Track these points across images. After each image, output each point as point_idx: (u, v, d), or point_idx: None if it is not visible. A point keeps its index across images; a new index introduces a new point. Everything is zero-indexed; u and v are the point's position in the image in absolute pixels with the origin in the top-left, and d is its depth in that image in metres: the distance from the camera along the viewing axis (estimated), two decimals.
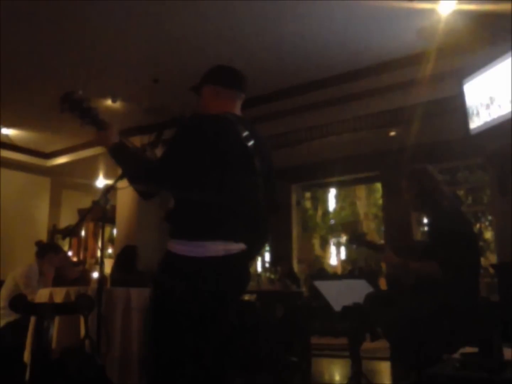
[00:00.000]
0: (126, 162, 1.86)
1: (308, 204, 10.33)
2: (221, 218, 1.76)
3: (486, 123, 4.24)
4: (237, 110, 1.99)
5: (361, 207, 11.08)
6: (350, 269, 8.72)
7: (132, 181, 1.87)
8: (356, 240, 3.32)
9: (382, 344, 3.39)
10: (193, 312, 1.70)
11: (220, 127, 1.82)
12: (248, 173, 1.83)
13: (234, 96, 1.98)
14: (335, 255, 10.84)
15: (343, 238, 10.59)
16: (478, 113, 4.34)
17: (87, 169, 7.91)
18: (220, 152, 1.78)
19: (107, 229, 8.38)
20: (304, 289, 5.86)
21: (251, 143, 1.84)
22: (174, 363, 1.70)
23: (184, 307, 1.70)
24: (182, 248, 1.72)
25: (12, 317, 3.78)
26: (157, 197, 1.97)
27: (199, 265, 1.70)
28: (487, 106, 4.24)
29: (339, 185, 9.47)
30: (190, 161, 1.77)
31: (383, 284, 5.28)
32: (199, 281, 1.69)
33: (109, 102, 5.98)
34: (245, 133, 1.85)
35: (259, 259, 10.44)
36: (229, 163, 1.80)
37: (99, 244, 8.71)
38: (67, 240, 9.16)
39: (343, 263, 10.65)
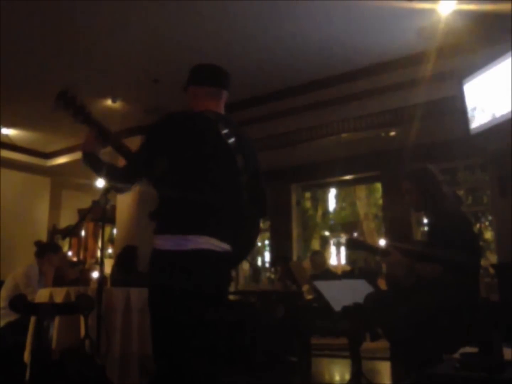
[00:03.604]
0: (94, 169, 1.91)
1: (308, 204, 10.32)
2: (202, 213, 1.75)
3: (486, 123, 4.24)
4: (219, 107, 1.96)
5: (361, 207, 11.07)
6: (350, 269, 8.72)
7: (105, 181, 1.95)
8: (353, 244, 3.31)
9: (382, 344, 3.39)
10: (182, 309, 1.69)
11: (196, 124, 1.83)
12: (230, 171, 1.82)
13: (214, 94, 1.96)
14: (335, 255, 10.83)
15: (343, 238, 10.58)
16: (478, 113, 4.34)
17: (87, 169, 7.91)
18: (198, 148, 1.78)
19: (107, 229, 8.38)
20: (305, 289, 5.85)
21: (231, 140, 1.83)
22: (168, 358, 1.70)
23: (169, 302, 1.69)
24: (165, 243, 1.72)
25: (12, 317, 3.78)
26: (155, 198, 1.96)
27: (184, 259, 1.69)
28: (487, 106, 4.24)
29: (339, 185, 9.46)
30: (162, 157, 1.78)
31: (383, 284, 5.27)
32: (184, 274, 1.68)
33: (109, 102, 5.99)
34: (225, 131, 1.83)
35: (259, 259, 10.45)
36: (208, 160, 1.79)
37: (99, 244, 8.71)
38: (67, 240, 9.16)
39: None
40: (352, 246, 3.47)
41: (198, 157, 1.78)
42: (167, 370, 1.70)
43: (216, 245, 1.73)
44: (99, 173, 1.90)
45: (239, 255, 1.88)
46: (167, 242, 1.72)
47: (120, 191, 2.04)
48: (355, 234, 10.52)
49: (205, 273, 1.72)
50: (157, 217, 1.80)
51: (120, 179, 1.89)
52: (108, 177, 1.90)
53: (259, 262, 10.51)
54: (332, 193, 11.11)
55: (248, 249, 1.93)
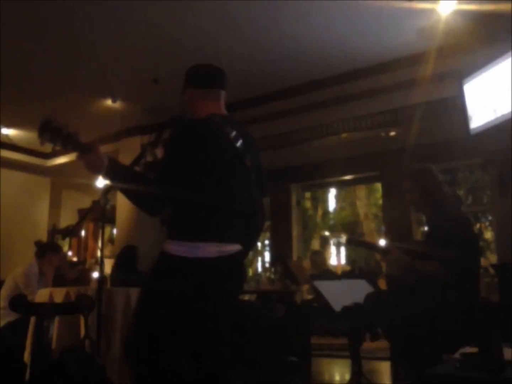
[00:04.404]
0: (125, 183, 1.79)
1: (308, 204, 10.32)
2: (216, 219, 1.77)
3: (486, 123, 4.24)
4: (221, 108, 1.96)
5: (361, 207, 11.06)
6: (350, 269, 8.72)
7: (136, 201, 1.82)
8: (355, 241, 3.32)
9: (382, 344, 3.39)
10: (186, 313, 1.70)
11: (207, 131, 1.82)
12: (241, 173, 1.84)
13: (213, 95, 1.96)
14: (335, 255, 10.83)
15: (343, 238, 10.58)
16: (478, 113, 4.34)
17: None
18: (210, 155, 1.78)
19: (107, 229, 8.38)
20: (305, 289, 5.86)
21: (239, 142, 1.84)
22: (169, 364, 1.69)
23: (177, 307, 1.70)
24: (176, 248, 1.73)
25: (12, 317, 3.78)
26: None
27: (192, 265, 1.70)
28: (487, 106, 4.24)
29: (339, 185, 9.46)
30: (185, 168, 1.77)
31: (382, 284, 5.27)
32: (193, 281, 1.69)
33: (109, 102, 5.99)
34: (233, 134, 1.84)
35: (259, 259, 10.43)
36: (220, 165, 1.80)
37: (99, 244, 8.70)
38: (67, 240, 9.16)
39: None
40: (353, 243, 3.48)
41: (210, 164, 1.79)
42: (166, 374, 1.69)
43: (225, 250, 1.75)
44: (131, 188, 1.78)
45: (247, 250, 1.89)
46: (177, 248, 1.73)
47: (154, 213, 1.87)
48: (355, 235, 10.52)
49: (212, 279, 1.73)
50: (169, 223, 1.81)
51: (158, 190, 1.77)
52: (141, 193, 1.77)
53: (259, 262, 10.51)
54: (332, 193, 11.11)
55: (255, 242, 1.97)
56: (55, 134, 1.81)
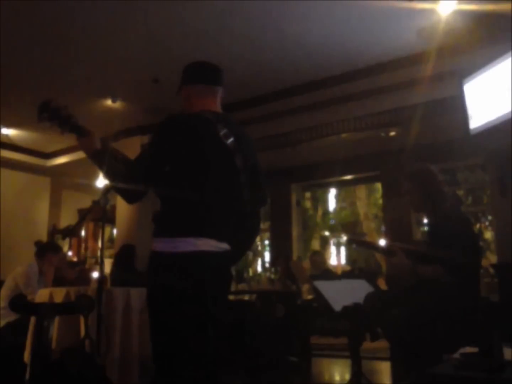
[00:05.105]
0: (106, 167, 1.83)
1: (308, 204, 10.32)
2: (202, 216, 1.75)
3: (486, 123, 4.24)
4: (216, 105, 1.96)
5: (361, 207, 11.07)
6: (350, 269, 8.72)
7: (114, 185, 1.85)
8: (356, 241, 3.32)
9: (382, 344, 3.40)
10: (178, 308, 1.70)
11: (196, 126, 1.82)
12: (229, 171, 1.82)
13: (208, 91, 1.96)
14: (335, 255, 10.83)
15: (343, 238, 10.58)
16: (478, 113, 4.34)
17: (87, 169, 7.88)
18: (197, 150, 1.78)
19: (107, 229, 8.38)
20: (305, 289, 5.86)
21: (230, 140, 1.82)
22: (167, 359, 1.70)
23: (167, 304, 1.70)
24: (163, 245, 1.73)
25: (12, 317, 3.78)
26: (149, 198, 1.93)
27: (179, 260, 1.69)
28: (487, 106, 4.24)
29: (339, 185, 9.46)
30: (169, 160, 1.78)
31: (382, 284, 5.27)
32: (182, 276, 1.69)
33: (109, 102, 5.98)
34: (224, 131, 1.82)
35: (259, 259, 10.44)
36: (207, 162, 1.79)
37: (99, 244, 8.70)
38: (67, 240, 9.16)
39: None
40: (354, 243, 3.48)
41: (197, 160, 1.78)
42: (167, 371, 1.70)
43: (214, 245, 1.74)
44: (113, 171, 1.81)
45: (239, 252, 1.89)
46: (165, 245, 1.72)
47: (131, 200, 1.90)
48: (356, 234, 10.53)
49: (203, 274, 1.72)
50: (157, 220, 1.81)
51: (135, 179, 1.78)
52: (122, 176, 1.79)
53: (259, 262, 10.51)
54: (332, 193, 11.12)
55: (248, 245, 1.94)
56: (54, 114, 1.87)
